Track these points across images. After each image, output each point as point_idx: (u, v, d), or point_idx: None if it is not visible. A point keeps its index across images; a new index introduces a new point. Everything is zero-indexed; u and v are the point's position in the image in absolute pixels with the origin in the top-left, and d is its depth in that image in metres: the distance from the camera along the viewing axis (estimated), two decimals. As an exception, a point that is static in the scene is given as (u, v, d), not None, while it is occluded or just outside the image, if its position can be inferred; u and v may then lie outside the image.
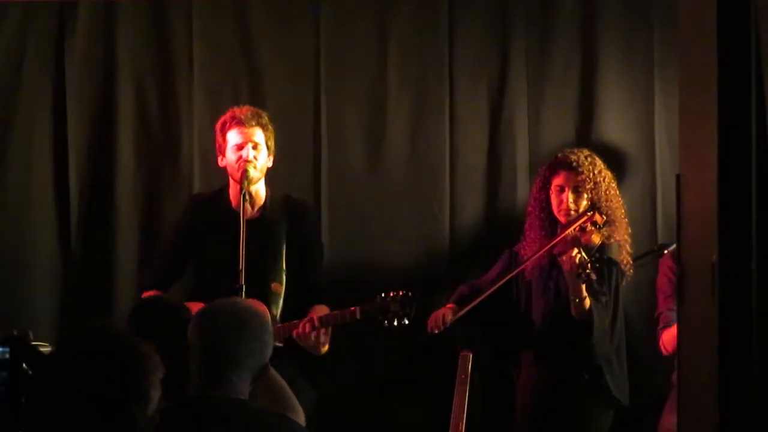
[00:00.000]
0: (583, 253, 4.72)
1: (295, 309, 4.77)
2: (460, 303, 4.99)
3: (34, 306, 5.46)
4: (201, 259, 4.99)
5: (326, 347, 4.76)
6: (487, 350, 5.08)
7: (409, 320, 4.71)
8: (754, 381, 3.02)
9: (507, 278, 4.94)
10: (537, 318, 4.98)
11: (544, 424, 4.95)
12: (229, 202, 4.97)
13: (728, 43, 3.06)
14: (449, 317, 4.92)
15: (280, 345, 4.58)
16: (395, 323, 4.71)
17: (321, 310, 4.81)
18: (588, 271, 4.66)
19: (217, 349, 3.33)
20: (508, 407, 5.08)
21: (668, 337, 4.85)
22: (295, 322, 4.72)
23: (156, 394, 2.87)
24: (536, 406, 4.96)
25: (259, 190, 4.95)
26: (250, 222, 4.78)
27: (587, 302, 4.75)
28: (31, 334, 3.20)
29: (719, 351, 3.04)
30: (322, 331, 4.71)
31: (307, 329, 4.68)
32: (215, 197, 5.03)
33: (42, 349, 3.11)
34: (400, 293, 4.71)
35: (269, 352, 3.41)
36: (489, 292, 4.92)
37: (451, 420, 5.02)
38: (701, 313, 3.19)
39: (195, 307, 4.71)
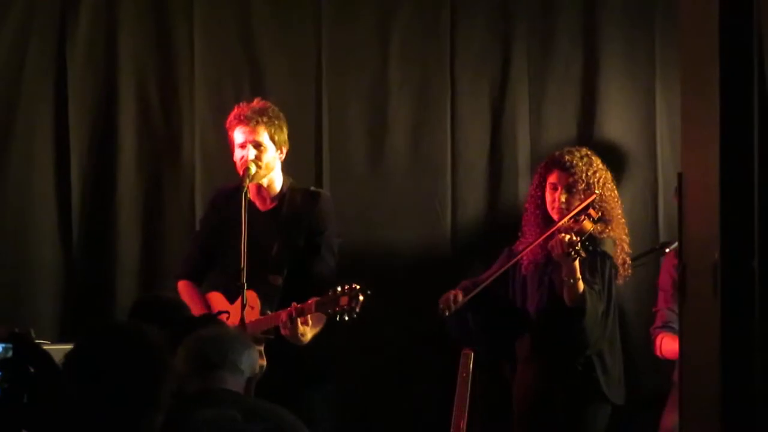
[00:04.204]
0: (573, 235, 4.72)
1: (296, 302, 4.75)
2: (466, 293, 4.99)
3: (36, 304, 5.44)
4: (218, 250, 5.02)
5: (307, 337, 4.72)
6: (483, 345, 5.08)
7: (354, 315, 4.54)
8: (756, 379, 3.02)
9: (507, 266, 4.95)
10: (532, 312, 4.98)
11: (541, 424, 4.96)
12: (247, 194, 5.00)
13: (730, 41, 3.07)
14: (460, 297, 4.91)
15: (272, 337, 4.59)
16: (345, 318, 4.58)
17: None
18: (578, 248, 4.66)
19: (212, 351, 3.45)
20: (508, 406, 5.08)
21: (668, 347, 4.85)
22: (277, 312, 4.73)
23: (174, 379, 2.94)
24: (533, 405, 4.97)
25: (274, 181, 4.95)
26: (263, 213, 4.85)
27: (581, 284, 4.74)
28: (32, 332, 3.20)
29: (721, 349, 3.04)
30: (300, 320, 4.69)
31: (284, 318, 4.68)
32: (236, 190, 5.04)
33: (44, 347, 3.10)
34: (351, 286, 4.57)
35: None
36: (493, 278, 4.93)
37: (452, 419, 5.02)
38: (703, 312, 3.19)
39: (213, 297, 4.79)
